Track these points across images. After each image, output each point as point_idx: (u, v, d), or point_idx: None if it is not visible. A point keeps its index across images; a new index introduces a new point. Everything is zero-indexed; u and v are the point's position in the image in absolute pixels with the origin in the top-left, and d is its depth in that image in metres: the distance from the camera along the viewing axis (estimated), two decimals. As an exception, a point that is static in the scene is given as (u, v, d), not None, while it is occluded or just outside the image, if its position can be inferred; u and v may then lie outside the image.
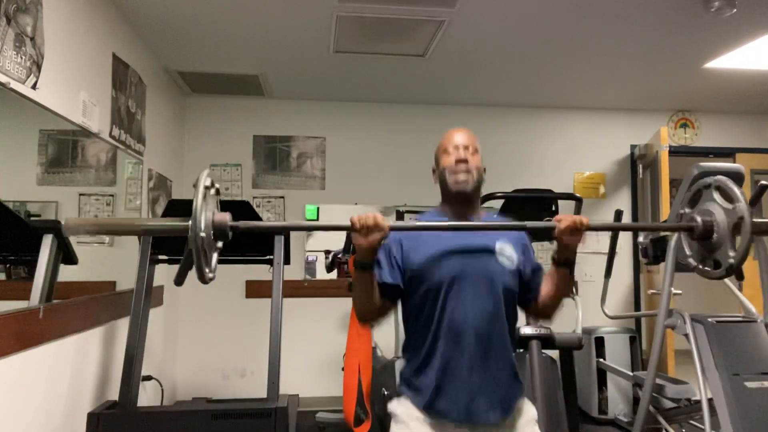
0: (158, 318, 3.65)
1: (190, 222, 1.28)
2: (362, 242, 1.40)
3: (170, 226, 1.49)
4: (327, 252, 3.99)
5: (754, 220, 1.46)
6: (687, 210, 1.65)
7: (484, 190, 1.75)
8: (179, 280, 1.59)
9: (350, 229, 1.41)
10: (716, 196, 1.56)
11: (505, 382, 1.54)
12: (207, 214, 1.32)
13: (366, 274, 1.47)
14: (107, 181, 2.85)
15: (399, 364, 2.90)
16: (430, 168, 1.73)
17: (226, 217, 1.38)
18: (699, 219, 1.57)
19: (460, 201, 1.61)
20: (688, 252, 1.71)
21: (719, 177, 1.57)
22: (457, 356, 1.50)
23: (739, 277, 1.67)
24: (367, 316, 1.58)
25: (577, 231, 1.47)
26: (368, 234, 1.39)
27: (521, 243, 1.64)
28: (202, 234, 1.30)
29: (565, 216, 1.50)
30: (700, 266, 1.66)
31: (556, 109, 4.74)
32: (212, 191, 1.39)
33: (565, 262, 1.55)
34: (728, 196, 1.51)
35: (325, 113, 4.52)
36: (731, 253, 1.50)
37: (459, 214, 1.61)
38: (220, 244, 1.41)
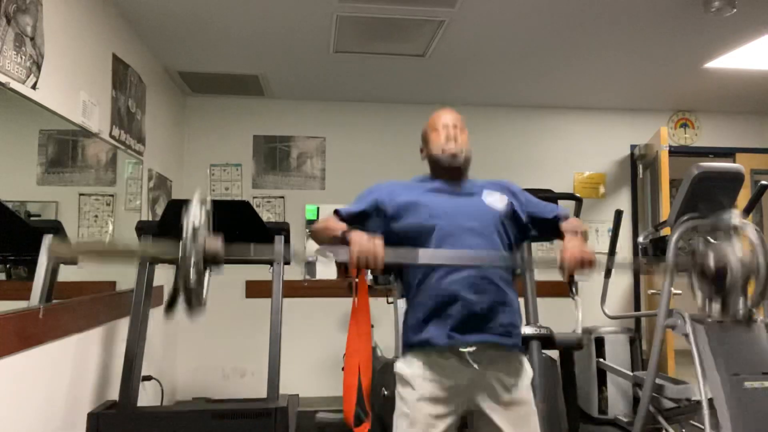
0: (158, 318, 3.65)
1: (179, 261, 1.22)
2: (352, 258, 1.46)
3: (162, 253, 1.44)
4: None
5: None
6: (699, 245, 1.57)
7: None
8: (170, 308, 1.52)
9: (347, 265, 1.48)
10: (734, 239, 1.51)
11: (504, 311, 1.59)
12: (197, 247, 1.25)
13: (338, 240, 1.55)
14: (107, 181, 2.85)
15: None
16: (429, 167, 1.80)
17: (217, 244, 1.31)
18: (711, 260, 1.52)
19: (452, 173, 1.72)
20: (695, 288, 1.67)
21: (744, 221, 1.52)
22: (451, 284, 1.55)
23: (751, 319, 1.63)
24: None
25: (582, 267, 1.55)
26: (363, 265, 1.47)
27: (508, 190, 1.74)
28: (194, 276, 1.25)
29: (571, 251, 1.54)
30: (709, 307, 1.60)
31: (556, 109, 4.74)
32: (204, 215, 1.32)
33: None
34: (748, 243, 1.46)
35: (325, 113, 4.52)
36: (741, 302, 1.49)
37: (449, 183, 1.72)
38: (206, 280, 1.36)
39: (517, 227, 1.70)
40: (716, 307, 1.55)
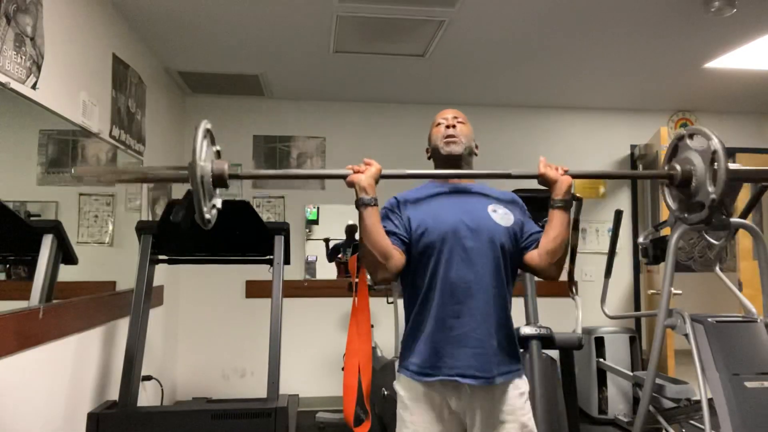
0: (158, 318, 3.65)
1: (189, 171, 1.36)
2: (361, 179, 1.56)
3: (172, 174, 1.59)
4: (326, 240, 4.00)
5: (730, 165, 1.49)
6: (667, 166, 1.70)
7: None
8: (176, 218, 1.64)
9: (347, 177, 1.60)
10: (690, 143, 1.61)
11: (502, 342, 1.56)
12: (205, 161, 1.41)
13: (372, 209, 1.54)
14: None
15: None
16: (431, 167, 1.79)
17: (224, 165, 1.46)
18: (678, 167, 1.62)
19: (452, 164, 1.70)
20: (672, 205, 1.73)
21: (692, 126, 1.63)
22: (451, 312, 1.53)
23: (727, 213, 1.68)
24: (385, 253, 1.53)
25: (556, 170, 1.67)
26: (365, 171, 1.58)
27: (515, 203, 1.73)
28: (203, 174, 1.38)
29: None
30: (686, 215, 1.67)
31: (556, 109, 4.74)
32: (213, 147, 1.47)
33: (560, 203, 1.63)
34: (702, 138, 1.56)
35: (325, 113, 4.52)
36: (711, 189, 1.52)
37: (456, 187, 1.70)
38: (218, 200, 1.49)
39: (516, 247, 1.66)
40: (696, 209, 1.63)
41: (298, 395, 3.46)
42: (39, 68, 2.08)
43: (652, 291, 4.06)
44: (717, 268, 2.80)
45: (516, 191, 3.31)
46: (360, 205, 1.55)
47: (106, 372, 2.72)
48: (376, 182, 1.58)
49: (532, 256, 1.63)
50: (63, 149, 2.42)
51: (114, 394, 2.67)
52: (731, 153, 4.76)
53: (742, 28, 3.10)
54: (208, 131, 1.45)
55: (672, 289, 2.51)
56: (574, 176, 1.68)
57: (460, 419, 1.57)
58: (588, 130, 4.79)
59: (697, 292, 5.11)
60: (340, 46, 3.41)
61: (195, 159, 1.36)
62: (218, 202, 1.51)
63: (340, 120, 4.53)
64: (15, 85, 1.92)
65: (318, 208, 4.47)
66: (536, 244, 1.64)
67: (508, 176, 1.68)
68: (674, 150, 1.70)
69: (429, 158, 1.81)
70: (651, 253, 2.86)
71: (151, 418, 2.40)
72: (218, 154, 1.51)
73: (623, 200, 4.76)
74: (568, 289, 3.45)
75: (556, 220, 1.62)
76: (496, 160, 4.53)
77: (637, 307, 4.66)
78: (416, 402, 1.57)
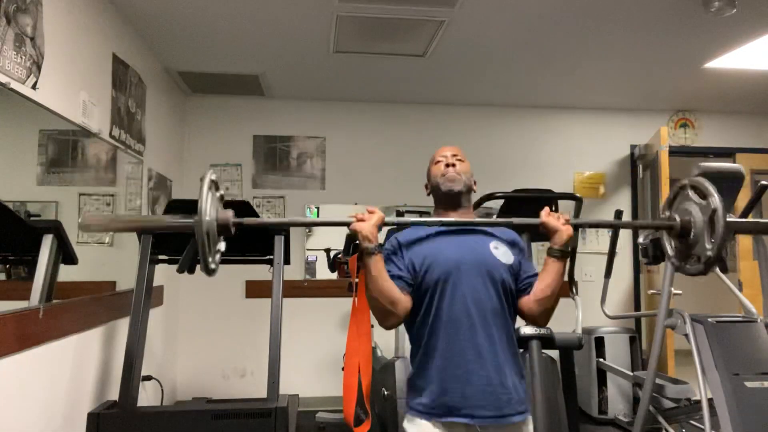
0: (158, 318, 3.65)
1: (195, 217, 1.37)
2: (364, 227, 1.51)
3: (179, 225, 1.59)
4: (327, 251, 4.01)
5: (729, 217, 1.53)
6: (667, 213, 1.73)
7: (483, 192, 1.79)
8: (182, 269, 1.65)
9: (350, 225, 1.52)
10: (692, 194, 1.63)
11: (509, 378, 1.55)
12: (212, 211, 1.42)
13: (377, 257, 1.52)
14: (107, 181, 2.85)
15: (399, 364, 2.90)
16: (425, 185, 1.81)
17: (228, 214, 1.48)
18: (677, 218, 1.64)
19: (451, 201, 1.69)
20: (670, 252, 1.77)
21: (693, 177, 1.64)
22: (457, 350, 1.52)
23: (723, 269, 1.71)
24: (392, 301, 1.54)
25: (557, 219, 1.60)
26: (368, 219, 1.52)
27: (515, 244, 1.70)
28: (208, 228, 1.39)
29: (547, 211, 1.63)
30: (683, 264, 1.71)
31: (556, 109, 4.74)
32: (217, 193, 1.48)
33: (557, 253, 1.61)
34: (702, 193, 1.58)
35: (325, 113, 4.52)
36: (708, 246, 1.56)
37: (452, 216, 1.68)
38: (222, 245, 1.51)
39: (515, 285, 1.65)
40: (692, 261, 1.68)
41: (298, 395, 3.46)
42: (39, 68, 2.08)
43: (652, 291, 4.05)
44: (717, 268, 2.80)
45: (517, 191, 3.32)
46: (364, 254, 1.53)
47: (106, 372, 2.72)
48: (379, 230, 1.55)
49: (524, 302, 1.64)
50: (63, 149, 2.42)
51: (114, 394, 2.67)
52: (731, 153, 4.78)
53: (742, 28, 3.10)
54: (213, 182, 1.46)
55: (672, 289, 2.51)
56: (575, 226, 1.66)
57: None
58: (588, 130, 4.79)
59: (697, 292, 5.10)
60: (340, 46, 3.41)
61: (201, 215, 1.37)
62: (222, 246, 1.52)
63: (340, 120, 4.53)
64: (15, 85, 1.92)
65: (318, 209, 4.46)
66: (530, 288, 1.63)
67: (510, 224, 1.68)
68: (675, 196, 1.72)
69: (429, 194, 1.78)
70: (651, 253, 2.86)
71: (151, 418, 2.40)
72: (222, 198, 1.52)
73: (623, 200, 4.76)
74: (568, 289, 3.45)
75: (552, 269, 1.62)
76: (496, 160, 4.55)
77: (637, 307, 4.66)
78: None
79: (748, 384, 2.25)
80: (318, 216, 4.46)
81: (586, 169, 4.77)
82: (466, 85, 4.17)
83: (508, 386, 1.53)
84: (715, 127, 4.85)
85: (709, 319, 2.42)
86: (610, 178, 4.80)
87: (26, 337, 1.97)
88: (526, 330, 2.70)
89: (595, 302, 3.56)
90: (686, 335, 2.45)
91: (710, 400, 2.31)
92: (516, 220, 1.67)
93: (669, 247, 1.76)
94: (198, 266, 1.62)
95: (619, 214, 3.37)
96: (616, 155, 4.81)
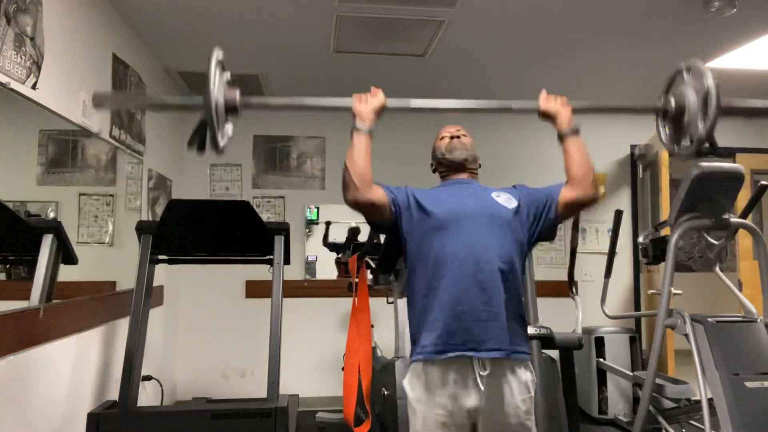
0: (158, 318, 3.65)
1: (203, 98, 1.45)
2: (363, 109, 1.68)
3: (187, 102, 1.67)
4: (327, 223, 4.04)
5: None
6: (663, 97, 1.77)
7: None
8: (191, 145, 1.69)
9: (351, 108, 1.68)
10: (687, 77, 1.67)
11: (513, 318, 1.57)
12: (220, 89, 1.49)
13: (364, 136, 1.67)
14: (107, 181, 2.85)
15: (399, 364, 2.90)
16: (430, 168, 1.87)
17: (235, 93, 1.55)
18: (672, 100, 1.69)
19: (457, 167, 1.75)
20: (662, 136, 1.81)
21: (690, 60, 1.68)
22: (462, 287, 1.54)
23: (713, 146, 1.75)
24: (363, 177, 1.62)
25: (554, 98, 1.78)
26: (368, 100, 1.70)
27: (517, 190, 1.75)
28: (216, 105, 1.47)
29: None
30: (676, 148, 1.76)
31: (556, 109, 4.73)
32: (225, 73, 1.55)
33: (569, 131, 1.73)
34: (698, 74, 1.62)
35: (325, 113, 4.51)
36: (700, 125, 1.60)
37: (459, 183, 1.74)
38: (230, 127, 1.59)
39: (528, 225, 1.68)
40: (684, 143, 1.74)
41: (298, 395, 3.46)
42: (39, 68, 2.08)
43: (652, 291, 4.05)
44: (717, 268, 2.80)
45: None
46: (353, 130, 1.65)
47: (106, 372, 2.72)
48: (379, 115, 1.68)
49: (566, 194, 1.68)
50: (63, 149, 2.42)
51: (114, 394, 2.67)
52: (731, 153, 4.77)
53: (742, 28, 3.10)
54: (220, 62, 1.52)
55: (672, 289, 2.51)
56: (574, 110, 1.78)
57: (476, 394, 1.55)
58: (588, 130, 4.75)
59: (697, 292, 5.10)
60: (340, 46, 3.41)
61: (209, 89, 1.43)
62: (229, 129, 1.58)
63: (340, 120, 4.49)
64: (15, 85, 1.92)
65: (318, 209, 4.46)
66: (561, 187, 1.69)
67: (509, 110, 1.78)
68: (671, 83, 1.76)
69: (434, 171, 1.84)
70: (651, 253, 2.86)
71: (151, 418, 2.40)
72: (229, 80, 1.57)
73: (623, 200, 4.76)
74: (568, 289, 3.45)
75: (573, 148, 1.70)
76: (496, 161, 4.54)
77: (637, 307, 4.66)
78: (430, 388, 1.56)
79: (748, 384, 2.25)
80: (318, 216, 4.45)
81: (586, 169, 4.77)
82: (466, 85, 4.17)
83: (511, 325, 1.56)
84: (715, 127, 4.84)
85: (709, 319, 2.42)
86: (610, 178, 4.80)
87: (26, 337, 1.97)
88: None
89: (595, 302, 3.56)
90: (686, 335, 2.44)
91: (710, 400, 2.30)
92: (515, 104, 1.81)
93: (663, 133, 1.80)
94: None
95: (619, 214, 3.37)
96: (616, 155, 4.81)
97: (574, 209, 1.71)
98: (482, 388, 1.52)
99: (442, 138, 1.82)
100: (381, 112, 1.65)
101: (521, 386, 1.58)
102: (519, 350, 1.58)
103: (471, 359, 1.53)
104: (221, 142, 1.49)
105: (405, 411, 1.68)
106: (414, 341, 1.65)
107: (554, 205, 1.67)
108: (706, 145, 1.62)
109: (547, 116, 1.72)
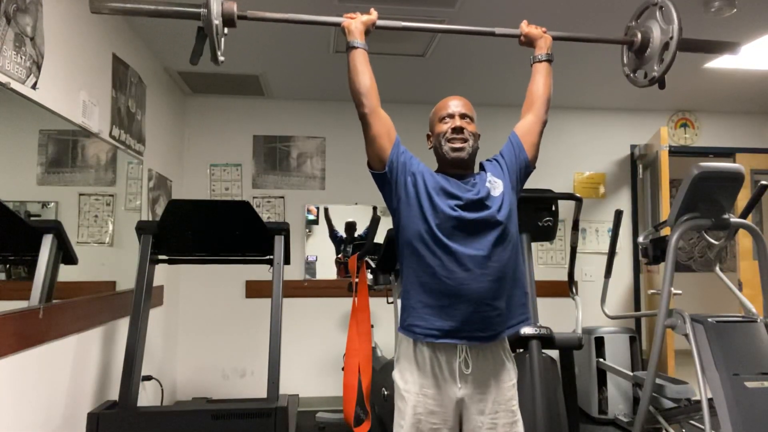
0: (158, 318, 3.65)
1: (203, 9, 1.53)
2: (351, 23, 1.69)
3: (185, 11, 1.71)
4: (326, 209, 4.14)
5: (684, 38, 1.71)
6: (633, 23, 1.87)
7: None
8: (194, 60, 1.72)
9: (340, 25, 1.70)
10: (658, 15, 1.76)
11: (505, 294, 1.57)
12: (217, 7, 1.55)
13: (359, 51, 1.72)
14: (107, 181, 2.85)
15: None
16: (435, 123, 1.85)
17: (233, 5, 1.61)
18: (639, 35, 1.81)
19: (457, 167, 1.72)
20: (624, 60, 1.94)
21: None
22: (455, 276, 1.54)
23: (662, 86, 1.88)
24: (365, 95, 1.74)
25: (536, 28, 1.88)
26: (360, 17, 1.71)
27: (498, 162, 1.78)
28: (215, 15, 1.53)
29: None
30: (632, 75, 1.91)
31: (555, 109, 4.69)
32: None
33: (545, 57, 1.88)
34: (668, 17, 1.72)
35: (325, 113, 4.52)
36: (656, 67, 1.74)
37: (455, 176, 1.71)
38: (227, 30, 1.65)
39: (513, 183, 1.73)
40: (640, 74, 1.89)
41: (298, 395, 3.46)
42: (39, 68, 2.08)
43: (652, 291, 4.05)
44: (717, 268, 2.80)
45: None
46: (348, 49, 1.68)
47: (106, 372, 2.72)
48: (368, 32, 1.72)
49: (523, 123, 1.82)
50: (63, 149, 2.42)
51: (114, 394, 2.67)
52: (731, 153, 4.78)
53: (742, 28, 3.10)
54: None
55: (672, 289, 2.51)
56: (553, 38, 1.93)
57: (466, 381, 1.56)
58: (588, 130, 4.79)
59: (697, 292, 5.11)
60: (340, 46, 3.41)
61: (209, 3, 1.51)
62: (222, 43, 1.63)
63: (340, 120, 4.53)
64: (15, 85, 1.92)
65: (318, 209, 4.46)
66: (514, 131, 1.81)
67: (492, 34, 1.91)
68: (643, 11, 1.85)
69: (430, 148, 1.82)
70: (651, 253, 2.86)
71: (151, 418, 2.40)
72: None
73: (623, 200, 4.76)
74: (568, 289, 3.45)
75: (545, 71, 1.87)
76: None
77: (637, 307, 4.66)
78: (416, 367, 1.57)
79: (748, 384, 2.25)
80: (318, 216, 4.46)
81: (586, 169, 4.78)
82: (466, 85, 4.17)
83: (500, 304, 1.55)
84: (715, 127, 4.85)
85: (709, 319, 2.42)
86: (610, 178, 4.80)
87: (26, 337, 1.97)
88: (526, 330, 2.70)
89: (595, 302, 3.56)
90: (686, 335, 2.45)
91: (710, 400, 2.30)
92: (498, 30, 1.90)
93: (625, 57, 1.95)
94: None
95: (619, 214, 3.37)
96: (616, 155, 4.81)
97: (534, 133, 1.81)
98: (467, 372, 1.54)
99: (443, 120, 1.77)
100: (370, 28, 1.74)
101: (506, 372, 1.61)
102: (515, 323, 1.61)
103: (456, 346, 1.55)
104: (220, 57, 1.56)
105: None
106: (404, 311, 1.66)
107: (521, 143, 1.78)
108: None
109: (529, 41, 1.88)
